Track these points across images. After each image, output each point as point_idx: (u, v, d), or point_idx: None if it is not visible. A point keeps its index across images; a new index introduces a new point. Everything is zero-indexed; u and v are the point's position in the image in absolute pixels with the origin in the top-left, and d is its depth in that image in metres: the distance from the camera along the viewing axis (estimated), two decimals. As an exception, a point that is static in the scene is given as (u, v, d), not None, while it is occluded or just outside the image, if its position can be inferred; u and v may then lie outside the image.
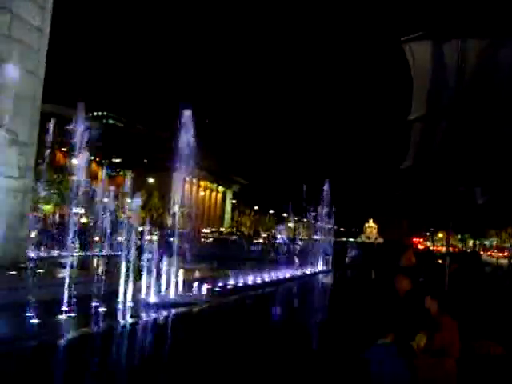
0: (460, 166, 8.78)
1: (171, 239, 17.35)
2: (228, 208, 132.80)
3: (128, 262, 15.13)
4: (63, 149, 51.50)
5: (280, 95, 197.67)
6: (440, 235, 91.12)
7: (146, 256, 16.88)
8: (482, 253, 35.43)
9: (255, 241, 77.13)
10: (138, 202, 19.16)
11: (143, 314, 13.56)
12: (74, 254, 17.17)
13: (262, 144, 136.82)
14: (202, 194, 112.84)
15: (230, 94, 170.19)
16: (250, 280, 21.68)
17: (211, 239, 66.52)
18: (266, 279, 23.54)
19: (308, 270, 32.36)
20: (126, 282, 14.17)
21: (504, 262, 43.93)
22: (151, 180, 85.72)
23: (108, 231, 23.84)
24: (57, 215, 43.25)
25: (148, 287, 15.13)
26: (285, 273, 27.22)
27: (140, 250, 15.91)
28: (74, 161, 15.71)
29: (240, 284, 20.51)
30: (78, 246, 17.51)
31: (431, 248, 67.71)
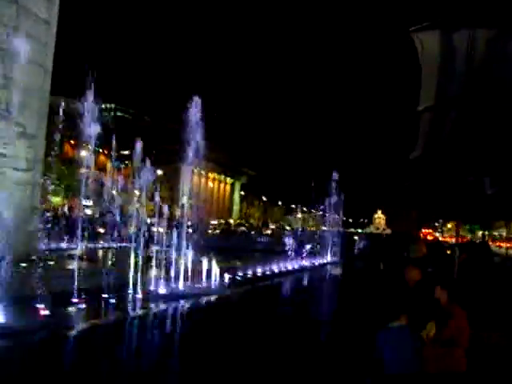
0: (469, 156, 8.75)
1: (180, 230, 17.35)
2: (236, 199, 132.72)
3: (136, 253, 15.21)
4: (71, 141, 51.67)
5: (288, 85, 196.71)
6: (449, 226, 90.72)
7: (154, 247, 16.95)
8: (490, 243, 35.26)
9: (264, 232, 77.24)
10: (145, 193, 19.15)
11: (152, 305, 13.63)
12: (83, 246, 17.29)
13: (270, 135, 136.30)
14: (210, 185, 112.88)
15: (238, 85, 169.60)
16: (259, 271, 21.71)
17: (218, 231, 66.54)
18: (275, 270, 23.56)
19: (317, 262, 32.39)
20: (136, 273, 14.24)
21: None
22: (160, 172, 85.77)
23: (117, 223, 23.94)
24: (65, 207, 43.47)
25: (157, 279, 15.19)
26: (293, 264, 27.23)
27: (148, 241, 15.96)
28: (82, 153, 15.77)
29: (249, 275, 20.54)
30: (86, 237, 17.56)
31: (440, 239, 67.49)
